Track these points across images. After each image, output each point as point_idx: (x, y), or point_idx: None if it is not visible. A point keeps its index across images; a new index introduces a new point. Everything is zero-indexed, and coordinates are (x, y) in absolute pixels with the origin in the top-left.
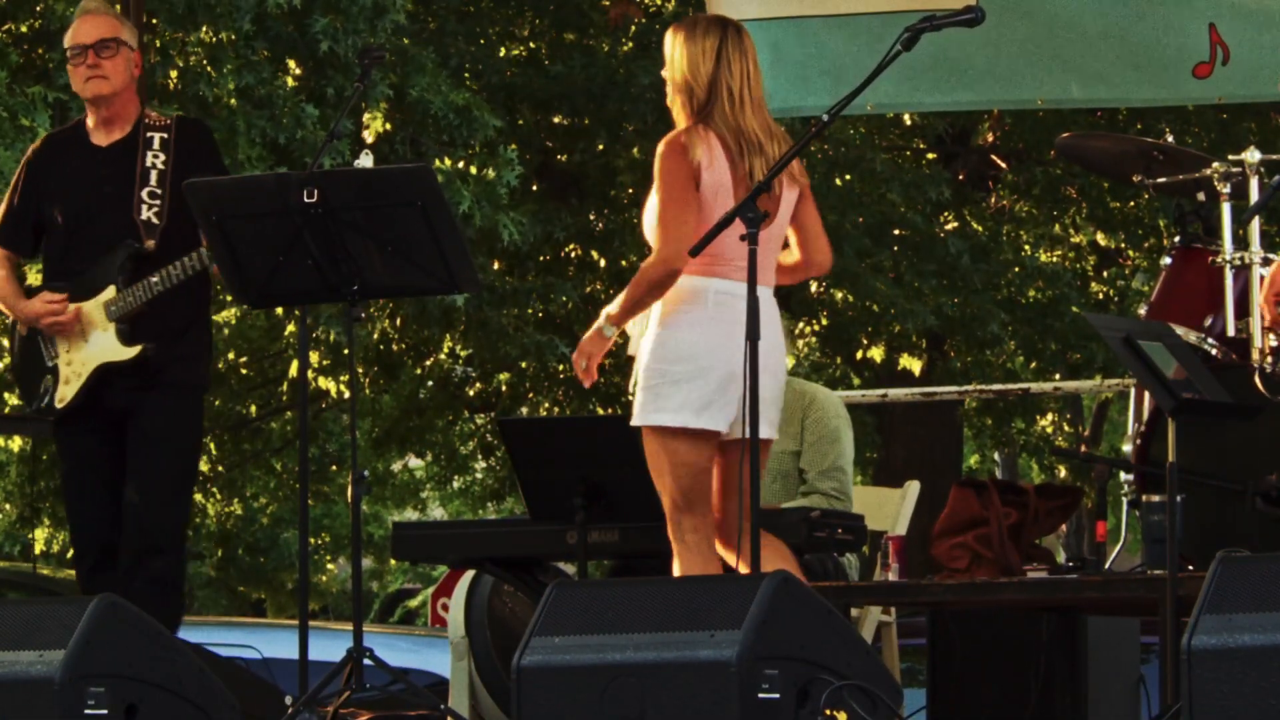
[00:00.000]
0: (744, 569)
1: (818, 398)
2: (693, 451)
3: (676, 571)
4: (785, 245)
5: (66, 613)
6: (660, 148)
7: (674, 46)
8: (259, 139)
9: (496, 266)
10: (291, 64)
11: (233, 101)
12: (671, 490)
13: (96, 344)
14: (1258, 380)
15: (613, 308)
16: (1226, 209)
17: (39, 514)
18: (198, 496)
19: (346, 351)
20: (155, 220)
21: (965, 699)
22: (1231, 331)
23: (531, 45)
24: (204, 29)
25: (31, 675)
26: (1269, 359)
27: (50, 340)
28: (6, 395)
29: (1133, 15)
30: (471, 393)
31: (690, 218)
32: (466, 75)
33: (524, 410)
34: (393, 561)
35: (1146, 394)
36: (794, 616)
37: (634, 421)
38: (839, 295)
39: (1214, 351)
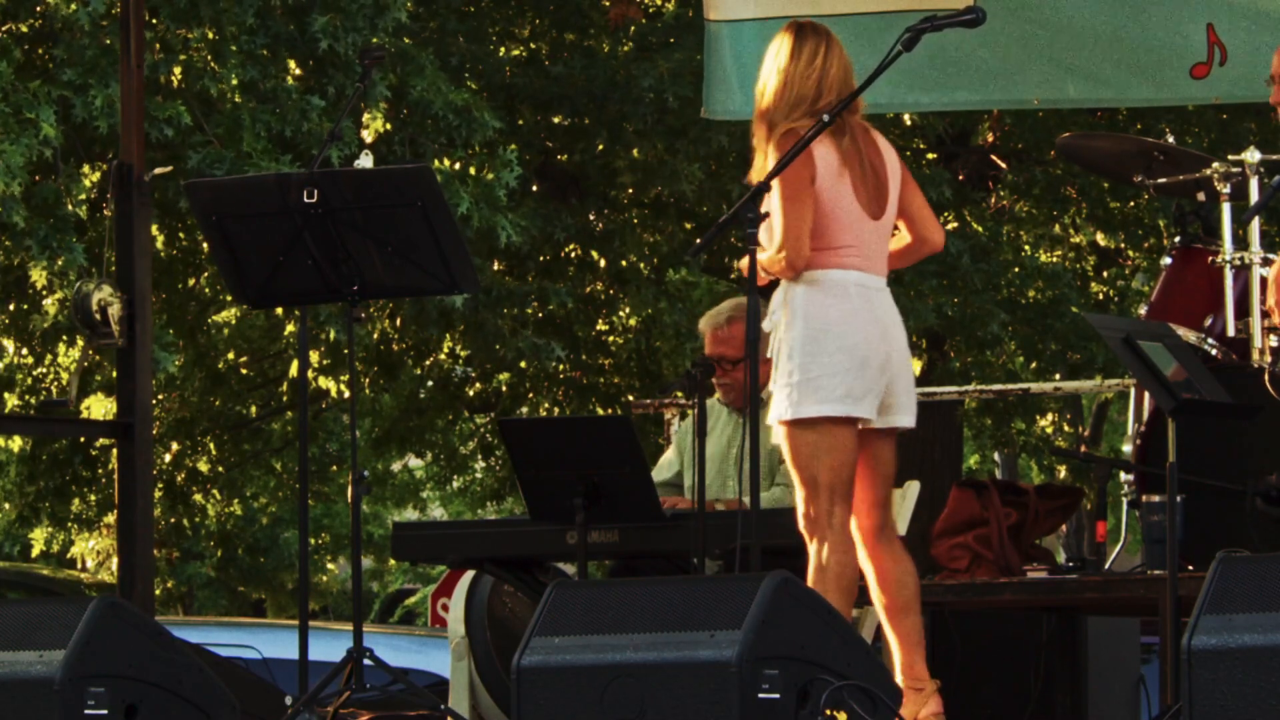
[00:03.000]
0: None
1: None
2: (849, 439)
3: (823, 561)
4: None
5: (66, 613)
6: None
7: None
8: (264, 133)
9: (496, 268)
10: (291, 64)
11: (237, 97)
12: (827, 480)
13: None
14: (1268, 383)
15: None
16: (1226, 209)
17: (39, 514)
18: (197, 497)
19: (346, 351)
20: None
21: (965, 699)
22: (1231, 331)
23: (532, 45)
24: (206, 26)
25: (31, 675)
26: (1269, 359)
27: None
28: (6, 395)
29: (1130, 16)
30: (471, 393)
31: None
32: (467, 76)
33: (524, 410)
34: (393, 561)
35: (1146, 394)
36: (794, 616)
37: (791, 415)
38: None
39: (1214, 351)
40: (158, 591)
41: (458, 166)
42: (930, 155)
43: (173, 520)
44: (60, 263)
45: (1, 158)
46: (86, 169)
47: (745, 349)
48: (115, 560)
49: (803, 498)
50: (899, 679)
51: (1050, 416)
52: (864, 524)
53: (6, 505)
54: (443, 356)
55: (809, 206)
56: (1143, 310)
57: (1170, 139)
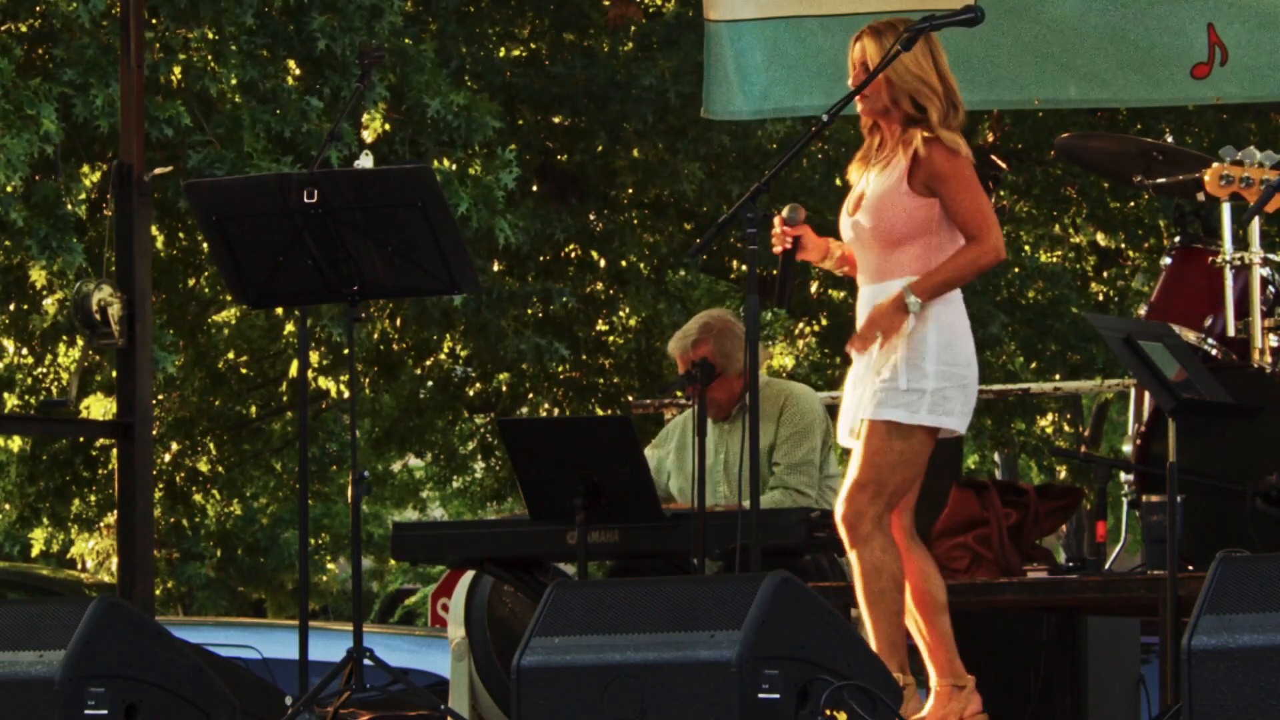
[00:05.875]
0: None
1: (794, 394)
2: (929, 453)
3: (877, 562)
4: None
5: (66, 613)
6: (948, 152)
7: (918, 52)
8: (263, 133)
9: (497, 268)
10: (291, 64)
11: (237, 98)
12: (895, 487)
13: None
14: None
15: (922, 284)
16: (1226, 209)
17: (39, 514)
18: (197, 497)
19: (346, 351)
20: None
21: None
22: (1231, 331)
23: (532, 46)
24: (206, 26)
25: (31, 675)
26: (1269, 359)
27: None
28: (6, 395)
29: (1131, 16)
30: (471, 393)
31: None
32: (467, 77)
33: (524, 410)
34: (393, 561)
35: (1146, 394)
36: (794, 616)
37: (908, 419)
38: (838, 296)
39: (1214, 351)
40: (158, 591)
41: (455, 167)
42: None
43: (173, 520)
44: (59, 263)
45: (2, 152)
46: (86, 169)
47: (745, 349)
48: (115, 560)
49: (863, 495)
50: (933, 680)
51: (1050, 417)
52: (901, 524)
53: (7, 506)
54: (443, 356)
55: None
56: (1143, 310)
57: (1170, 139)
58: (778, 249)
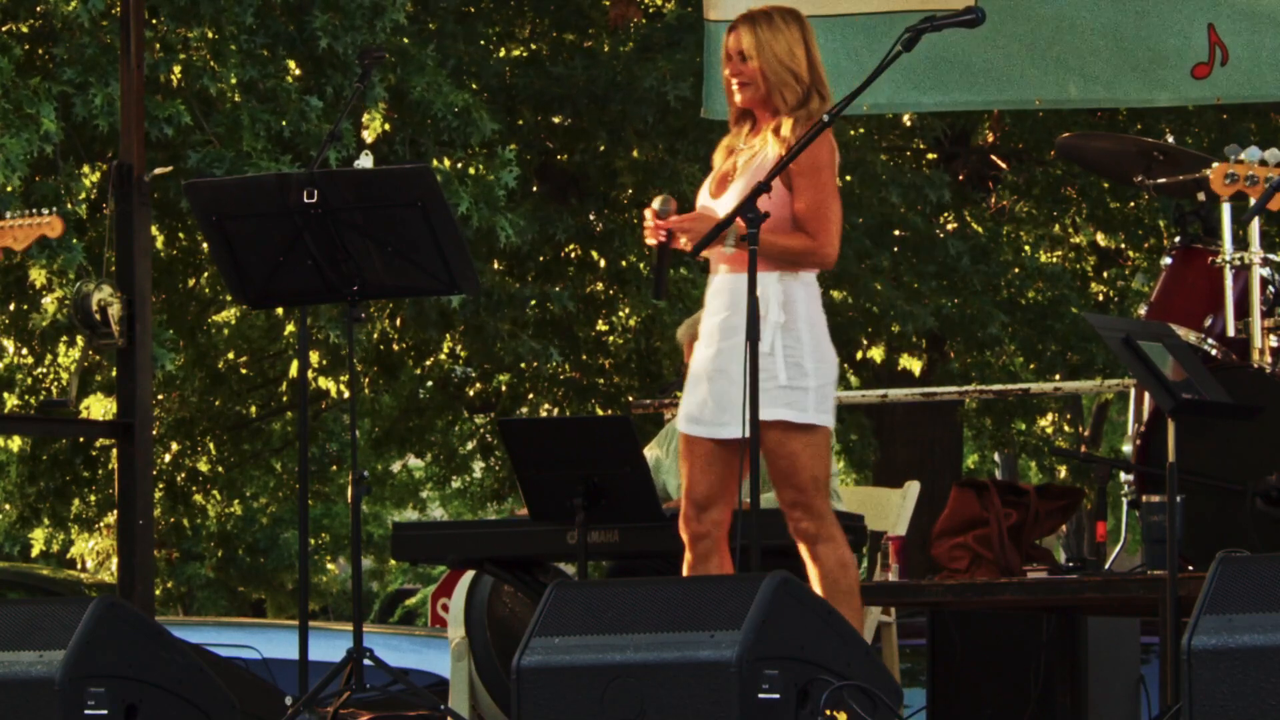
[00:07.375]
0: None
1: None
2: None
3: (845, 558)
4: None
5: (66, 613)
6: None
7: (778, 35)
8: (263, 132)
9: (496, 268)
10: (291, 64)
11: (236, 97)
12: (826, 477)
13: None
14: None
15: (744, 235)
16: (1226, 209)
17: (39, 514)
18: (197, 497)
19: (345, 352)
20: None
21: (965, 699)
22: (1231, 331)
23: (532, 46)
24: (206, 25)
25: (31, 675)
26: (1269, 359)
27: None
28: (6, 395)
29: (1132, 16)
30: (471, 393)
31: None
32: (466, 78)
33: (524, 410)
34: (393, 561)
35: (1146, 394)
36: (794, 616)
37: (818, 420)
38: (838, 296)
39: (1214, 351)
40: (158, 591)
41: (459, 166)
42: (930, 156)
43: (173, 520)
44: (59, 262)
45: (2, 151)
46: (86, 169)
47: (745, 348)
48: (115, 560)
49: (814, 498)
50: None
51: (1050, 417)
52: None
53: (7, 506)
54: (443, 357)
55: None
56: (1143, 310)
57: (1170, 139)
58: (651, 242)
